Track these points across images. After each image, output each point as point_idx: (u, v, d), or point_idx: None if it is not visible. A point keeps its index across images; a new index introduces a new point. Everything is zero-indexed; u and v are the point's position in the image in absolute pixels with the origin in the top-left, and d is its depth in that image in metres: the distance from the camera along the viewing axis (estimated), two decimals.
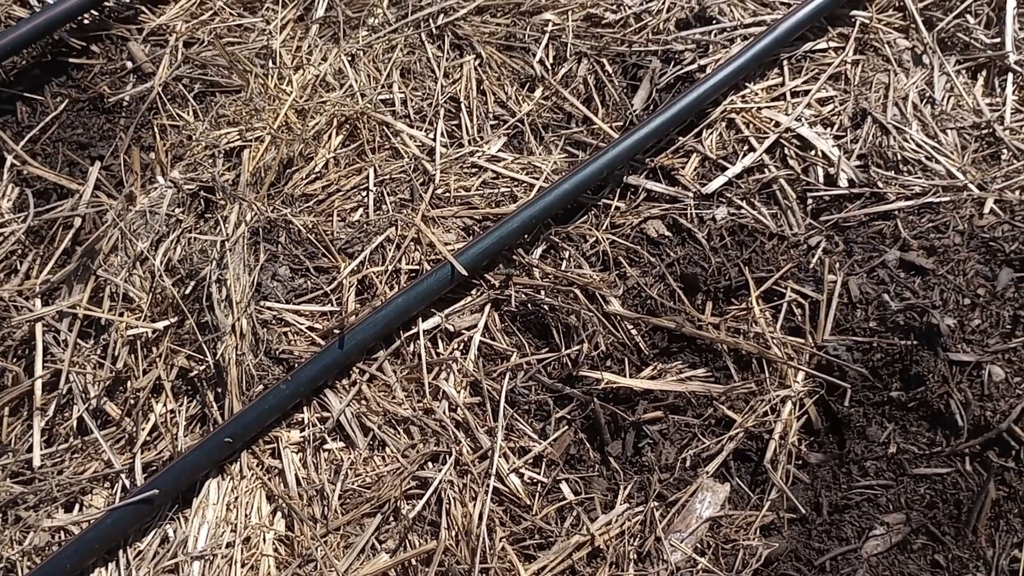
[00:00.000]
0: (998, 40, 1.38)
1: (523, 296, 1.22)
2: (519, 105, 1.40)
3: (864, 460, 1.13)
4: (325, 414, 1.17)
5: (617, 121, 1.37)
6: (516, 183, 1.32)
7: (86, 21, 1.55)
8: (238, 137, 1.33)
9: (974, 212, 1.24)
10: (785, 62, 1.39)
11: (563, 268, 1.24)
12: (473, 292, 1.24)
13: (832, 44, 1.41)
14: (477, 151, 1.35)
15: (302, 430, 1.16)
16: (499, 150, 1.36)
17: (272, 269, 1.23)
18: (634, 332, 1.20)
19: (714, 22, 1.43)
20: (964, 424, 1.11)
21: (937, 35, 1.40)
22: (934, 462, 1.12)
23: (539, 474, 1.13)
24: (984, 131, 1.31)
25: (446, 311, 1.22)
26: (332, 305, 1.23)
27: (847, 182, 1.29)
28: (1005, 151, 1.29)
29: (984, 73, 1.38)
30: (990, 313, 1.17)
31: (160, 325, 1.20)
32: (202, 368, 1.18)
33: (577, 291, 1.21)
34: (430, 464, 1.13)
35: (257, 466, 1.14)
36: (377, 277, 1.23)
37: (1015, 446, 1.10)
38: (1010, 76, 1.36)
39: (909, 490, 1.11)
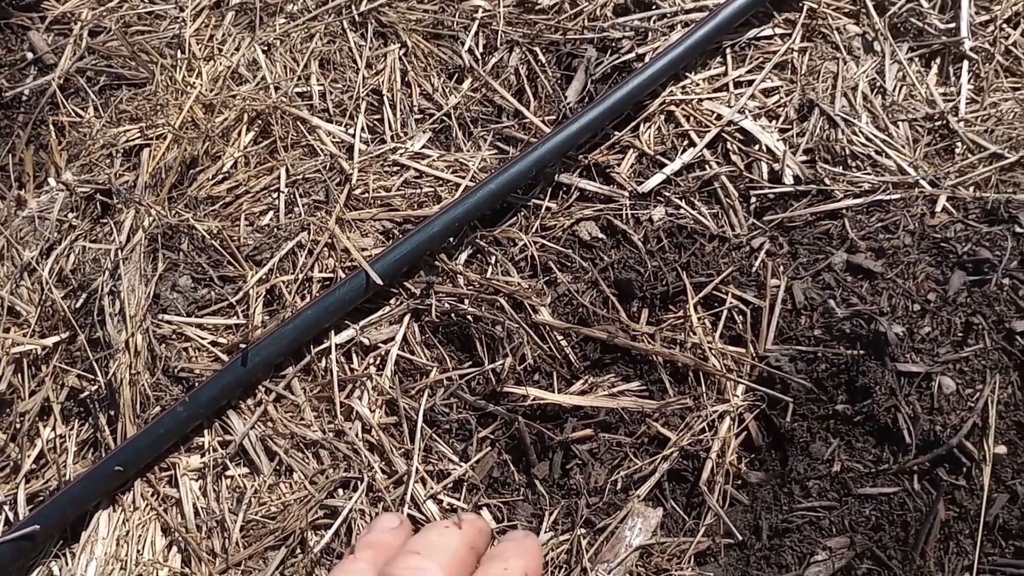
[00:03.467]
0: (953, 25, 1.30)
1: (445, 306, 1.13)
2: (446, 98, 1.31)
3: (807, 479, 1.05)
4: (228, 437, 1.08)
5: (550, 115, 1.28)
6: (441, 182, 1.23)
7: None
8: (139, 135, 1.23)
9: (925, 211, 1.17)
10: (728, 50, 1.30)
11: (489, 274, 1.15)
12: (392, 301, 1.15)
13: (778, 31, 1.32)
14: (399, 148, 1.26)
15: (202, 455, 1.07)
16: (423, 146, 1.27)
17: (172, 279, 1.13)
18: (564, 343, 1.12)
19: (654, 7, 1.34)
20: (912, 440, 1.04)
21: (889, 20, 1.32)
22: (880, 481, 1.04)
23: (459, 500, 1.05)
24: (937, 123, 1.24)
25: (361, 323, 1.13)
26: (238, 317, 1.13)
27: (792, 179, 1.21)
28: (959, 144, 1.21)
29: (938, 60, 1.30)
30: (941, 320, 1.09)
31: (49, 342, 1.11)
32: (94, 388, 1.09)
33: (502, 300, 1.12)
34: (340, 491, 1.05)
35: (152, 496, 1.05)
36: (286, 286, 1.14)
37: (966, 463, 1.03)
38: (965, 64, 1.28)
39: (854, 511, 1.03)
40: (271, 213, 1.21)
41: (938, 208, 1.17)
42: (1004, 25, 1.31)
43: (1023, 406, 1.06)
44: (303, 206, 1.20)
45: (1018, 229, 1.13)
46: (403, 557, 0.57)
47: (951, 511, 1.02)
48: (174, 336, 1.11)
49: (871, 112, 1.25)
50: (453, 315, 1.13)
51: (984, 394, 1.05)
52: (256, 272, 1.14)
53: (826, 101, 1.25)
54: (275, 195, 1.22)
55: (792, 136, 1.24)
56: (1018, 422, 1.04)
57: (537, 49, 1.33)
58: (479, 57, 1.34)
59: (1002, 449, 1.03)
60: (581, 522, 1.02)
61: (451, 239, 1.17)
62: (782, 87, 1.28)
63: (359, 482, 1.04)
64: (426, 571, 0.55)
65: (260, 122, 1.27)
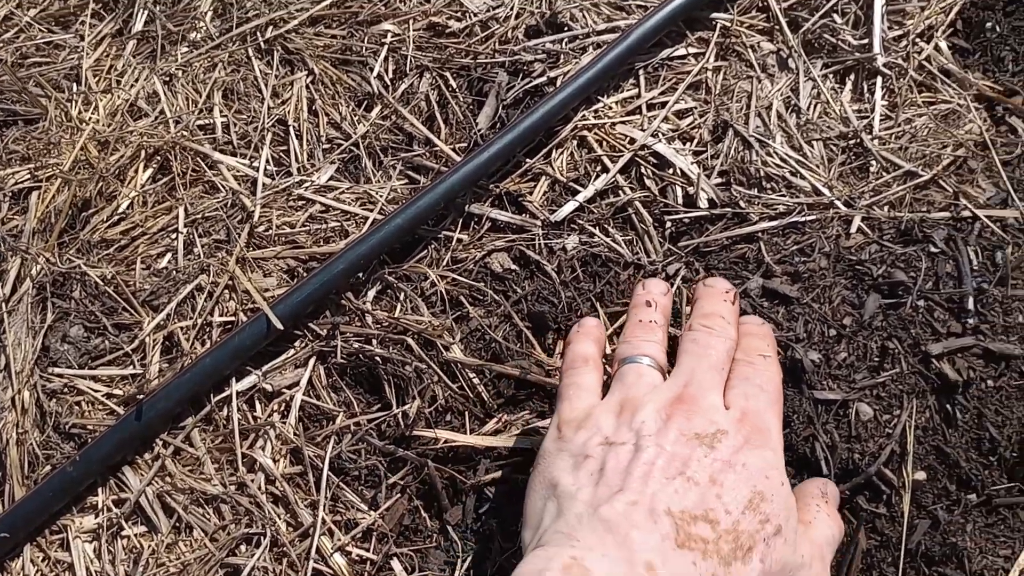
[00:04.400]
0: (866, 41, 1.29)
1: (352, 346, 1.09)
2: (355, 126, 1.27)
3: None
4: (123, 495, 1.03)
5: (462, 142, 1.25)
6: (348, 216, 1.19)
7: None
8: (28, 176, 1.18)
9: (841, 232, 1.15)
10: (641, 72, 1.28)
11: (397, 312, 1.11)
12: (297, 344, 1.11)
13: (692, 50, 1.30)
14: (305, 181, 1.21)
15: (96, 515, 1.02)
16: (330, 178, 1.23)
17: (63, 329, 1.08)
18: (476, 381, 1.08)
19: (566, 28, 1.31)
20: (831, 469, 1.02)
21: (803, 37, 1.30)
22: None
23: (368, 551, 1.01)
24: (852, 141, 1.22)
25: (264, 368, 1.09)
26: (134, 367, 1.08)
27: (707, 202, 1.18)
28: (873, 163, 1.20)
29: (852, 77, 1.28)
30: (857, 345, 1.07)
31: None
32: None
33: (410, 339, 1.08)
34: (243, 547, 1.00)
35: (43, 561, 1.00)
36: (184, 333, 1.09)
37: (886, 490, 1.01)
38: (879, 80, 1.26)
39: None
40: (169, 255, 1.16)
41: (853, 229, 1.15)
42: (917, 39, 1.29)
43: (940, 430, 1.04)
44: (203, 247, 1.15)
45: (932, 249, 1.12)
46: (712, 317, 0.85)
47: (872, 540, 1.00)
48: (65, 390, 1.06)
49: (785, 132, 1.23)
50: (360, 356, 1.09)
51: (902, 419, 1.03)
52: (153, 318, 1.09)
53: (740, 121, 1.23)
54: (173, 236, 1.17)
55: (707, 159, 1.21)
56: (936, 447, 1.03)
57: (448, 74, 1.29)
58: (388, 83, 1.31)
59: (921, 475, 1.02)
60: (494, 570, 0.99)
61: (360, 275, 1.13)
62: (696, 108, 1.26)
63: (262, 537, 1.00)
64: (728, 332, 0.84)
65: (159, 158, 1.22)
